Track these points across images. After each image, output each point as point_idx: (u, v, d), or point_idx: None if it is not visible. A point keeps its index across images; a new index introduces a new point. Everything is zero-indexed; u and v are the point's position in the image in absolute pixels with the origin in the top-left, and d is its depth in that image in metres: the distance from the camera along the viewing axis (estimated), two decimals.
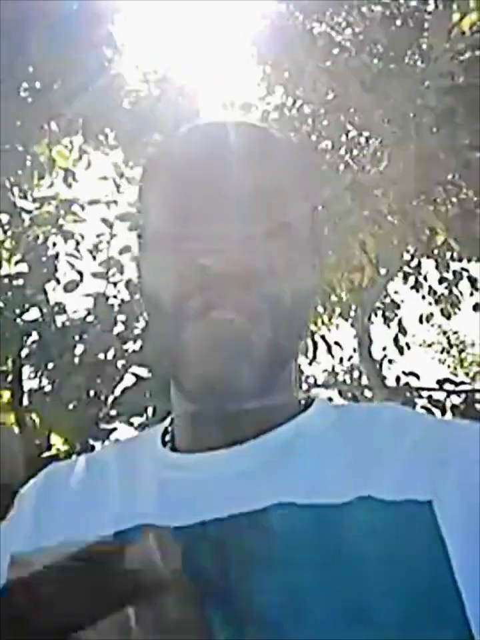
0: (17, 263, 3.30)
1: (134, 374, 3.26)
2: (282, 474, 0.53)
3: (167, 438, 0.62)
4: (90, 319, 3.40)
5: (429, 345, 6.92)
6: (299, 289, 0.55)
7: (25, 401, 3.51)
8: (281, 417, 0.57)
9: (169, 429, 0.63)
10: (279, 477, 0.53)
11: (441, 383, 4.23)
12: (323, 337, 4.77)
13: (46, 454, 3.40)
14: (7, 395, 3.71)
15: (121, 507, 0.56)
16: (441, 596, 0.46)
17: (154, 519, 0.50)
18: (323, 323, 5.67)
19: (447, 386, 4.23)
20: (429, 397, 3.85)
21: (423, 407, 3.73)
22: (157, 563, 0.36)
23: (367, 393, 5.14)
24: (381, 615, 0.45)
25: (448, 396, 4.17)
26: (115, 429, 3.47)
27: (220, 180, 0.54)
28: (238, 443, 0.55)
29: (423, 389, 4.27)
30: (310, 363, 5.30)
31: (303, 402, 0.61)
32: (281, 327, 0.54)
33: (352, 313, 5.21)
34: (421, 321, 5.29)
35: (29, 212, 3.45)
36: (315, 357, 4.50)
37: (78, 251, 3.38)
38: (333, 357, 4.91)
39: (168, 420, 0.64)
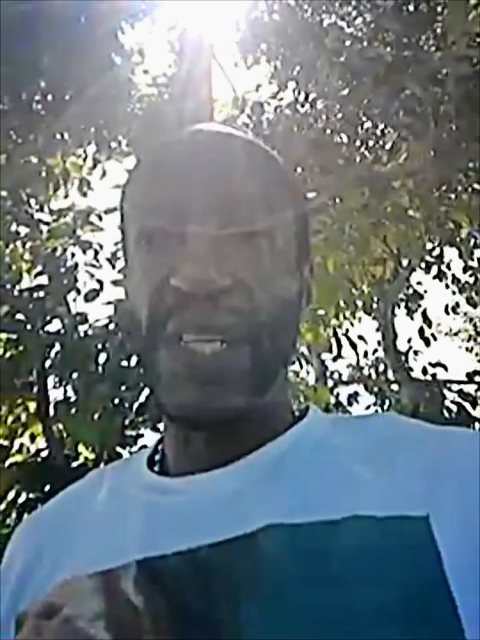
0: (36, 275, 3.32)
1: None
2: (271, 494, 0.52)
3: (157, 458, 0.61)
4: (111, 327, 3.41)
5: (456, 334, 6.82)
6: (279, 302, 0.54)
7: (51, 411, 3.54)
8: (271, 432, 0.55)
9: (159, 449, 0.62)
10: (268, 497, 0.51)
11: (471, 375, 4.15)
12: (346, 334, 4.72)
13: (75, 464, 3.43)
14: (33, 405, 3.75)
15: (109, 539, 0.54)
16: (437, 614, 0.45)
17: (141, 548, 0.51)
18: (345, 317, 5.62)
19: (478, 378, 4.15)
20: (460, 391, 3.77)
21: (452, 402, 3.66)
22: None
23: (394, 387, 5.08)
24: (375, 634, 0.44)
25: (478, 388, 4.09)
26: (141, 436, 3.49)
27: (191, 195, 0.52)
28: (227, 463, 0.54)
29: (452, 381, 4.20)
30: (334, 359, 5.26)
31: (296, 413, 0.60)
32: (262, 344, 0.52)
33: (374, 306, 5.14)
34: (447, 312, 5.20)
35: (47, 224, 3.47)
36: (339, 354, 4.46)
37: (97, 260, 3.39)
38: (356, 353, 4.87)
39: (155, 442, 0.63)
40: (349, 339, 4.69)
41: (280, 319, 0.54)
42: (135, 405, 3.37)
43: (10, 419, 3.91)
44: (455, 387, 4.13)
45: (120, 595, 0.48)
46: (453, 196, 3.67)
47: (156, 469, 0.59)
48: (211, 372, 0.50)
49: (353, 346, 4.75)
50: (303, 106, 4.59)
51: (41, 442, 3.74)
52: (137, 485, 0.58)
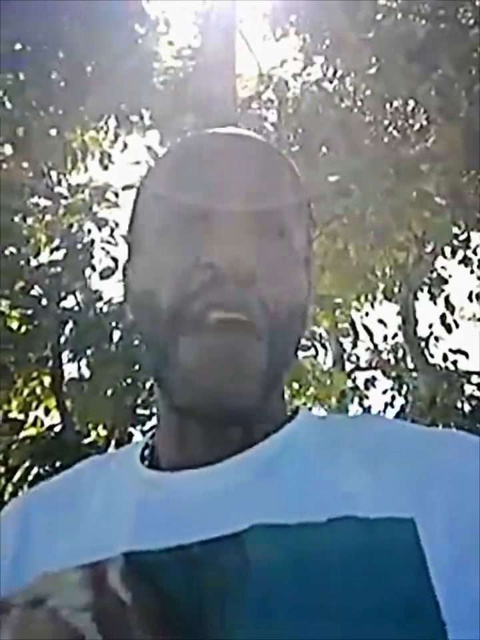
0: (52, 251, 3.30)
1: None
2: (261, 494, 0.52)
3: (147, 453, 0.60)
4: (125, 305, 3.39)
5: (479, 320, 6.71)
6: (297, 297, 0.55)
7: (65, 388, 3.56)
8: (264, 432, 0.55)
9: (150, 443, 0.61)
10: (258, 497, 0.51)
11: None
12: (362, 319, 4.65)
13: (86, 440, 3.45)
14: (48, 380, 3.78)
15: (98, 533, 0.54)
16: (421, 615, 0.45)
17: (130, 543, 0.50)
18: (367, 300, 5.54)
19: None
20: (479, 384, 3.70)
21: (471, 396, 3.59)
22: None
23: (412, 374, 5.01)
24: (360, 635, 0.44)
25: None
26: (153, 414, 3.48)
27: (225, 182, 0.54)
28: (220, 460, 0.54)
29: (472, 373, 4.11)
30: (353, 345, 5.20)
31: (289, 413, 0.60)
32: (278, 339, 0.53)
33: (396, 290, 5.05)
34: (470, 299, 5.09)
35: (65, 198, 3.44)
36: (356, 338, 4.40)
37: (113, 237, 3.36)
38: (372, 340, 4.80)
39: (148, 435, 0.62)
40: (364, 325, 4.62)
41: (295, 315, 0.54)
42: (148, 384, 3.37)
43: (25, 392, 3.95)
44: (475, 378, 4.04)
45: (106, 588, 0.48)
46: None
47: (147, 462, 0.59)
48: (230, 365, 0.50)
49: (369, 332, 4.68)
50: (331, 82, 4.46)
51: (55, 416, 3.78)
52: (128, 478, 0.58)
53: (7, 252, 3.28)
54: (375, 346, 5.31)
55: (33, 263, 3.33)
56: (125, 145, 4.64)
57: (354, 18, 4.10)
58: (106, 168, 4.35)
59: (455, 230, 4.90)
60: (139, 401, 3.42)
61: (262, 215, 0.53)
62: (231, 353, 0.50)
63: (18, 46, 3.46)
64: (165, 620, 0.47)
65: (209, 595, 0.47)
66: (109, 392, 3.35)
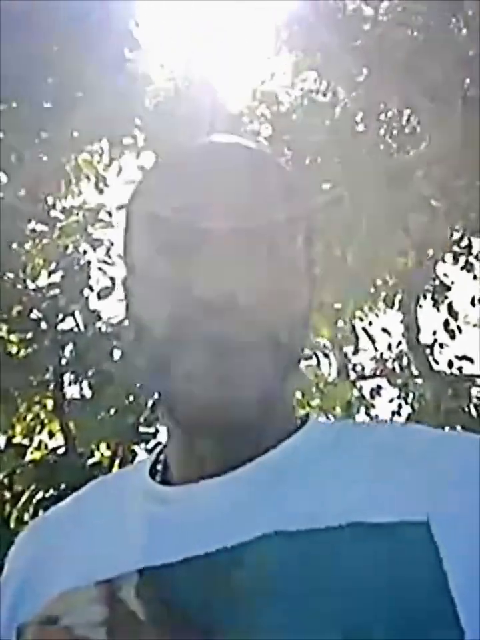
0: (50, 273, 3.33)
1: None
2: (271, 502, 0.52)
3: (159, 467, 0.60)
4: (125, 324, 3.40)
5: None
6: (296, 309, 0.55)
7: (67, 409, 3.56)
8: (273, 441, 0.55)
9: (161, 459, 0.61)
10: (268, 506, 0.51)
11: None
12: (364, 328, 4.63)
13: (91, 461, 3.44)
14: (51, 403, 3.78)
15: (110, 550, 0.55)
16: (438, 619, 0.45)
17: (142, 559, 0.51)
18: (370, 309, 5.52)
19: None
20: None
21: (477, 397, 3.55)
22: None
23: (418, 381, 4.97)
24: None
25: None
26: (157, 432, 3.48)
27: (212, 201, 0.53)
28: (228, 471, 0.54)
29: (477, 376, 4.07)
30: (354, 352, 5.17)
31: (297, 421, 0.59)
32: (279, 353, 0.53)
33: (398, 297, 5.03)
34: (473, 303, 5.07)
35: (60, 221, 3.48)
36: (357, 346, 4.38)
37: (109, 257, 3.38)
38: (375, 347, 4.77)
39: (157, 451, 0.63)
40: (366, 332, 4.60)
41: (296, 326, 0.55)
42: (150, 402, 3.37)
43: (29, 417, 3.95)
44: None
45: (120, 604, 0.49)
46: (478, 183, 3.53)
47: (158, 478, 0.59)
48: (231, 382, 0.50)
49: (372, 340, 4.66)
50: (325, 95, 4.50)
51: (59, 439, 3.78)
52: (138, 493, 0.58)
53: (5, 277, 3.31)
54: (381, 355, 5.29)
55: (31, 286, 3.36)
56: (120, 169, 4.69)
57: (344, 28, 4.15)
58: (101, 192, 4.40)
59: (456, 236, 4.90)
60: (141, 419, 3.42)
61: (253, 233, 0.53)
62: (227, 369, 0.50)
63: (7, 72, 3.52)
64: (179, 633, 0.47)
65: (222, 606, 0.47)
66: (111, 411, 3.35)
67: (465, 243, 5.06)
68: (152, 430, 3.50)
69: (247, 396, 0.51)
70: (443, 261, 4.86)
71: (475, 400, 3.55)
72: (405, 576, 0.46)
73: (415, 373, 4.92)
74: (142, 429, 3.47)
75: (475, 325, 6.41)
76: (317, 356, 3.86)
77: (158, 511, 0.54)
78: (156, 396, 3.41)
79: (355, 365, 5.22)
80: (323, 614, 0.45)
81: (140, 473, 0.60)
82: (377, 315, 5.71)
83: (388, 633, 0.44)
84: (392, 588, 0.46)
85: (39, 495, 3.30)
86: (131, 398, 3.42)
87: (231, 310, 0.50)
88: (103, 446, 3.53)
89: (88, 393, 3.49)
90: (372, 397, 5.04)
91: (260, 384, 0.51)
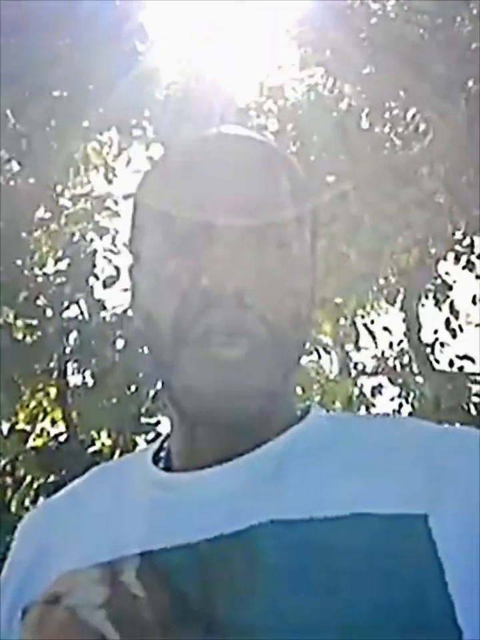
0: (56, 261, 3.34)
1: None
2: (272, 491, 0.52)
3: (162, 455, 0.61)
4: (130, 313, 3.42)
5: None
6: (301, 302, 0.55)
7: (70, 398, 3.58)
8: (275, 431, 0.56)
9: (165, 446, 0.62)
10: (269, 494, 0.52)
11: None
12: (366, 326, 4.64)
13: (91, 449, 3.46)
14: (54, 391, 3.80)
15: (112, 534, 0.55)
16: (434, 612, 0.45)
17: (143, 543, 0.52)
18: (372, 307, 5.53)
19: None
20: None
21: (476, 394, 3.56)
22: None
23: (419, 379, 4.99)
24: (372, 633, 0.44)
25: None
26: (158, 422, 3.50)
27: (220, 194, 0.53)
28: (231, 460, 0.54)
29: (477, 374, 4.09)
30: (358, 350, 5.18)
31: (299, 412, 0.60)
32: (284, 347, 0.53)
33: (400, 297, 5.05)
34: (474, 302, 5.08)
35: (66, 208, 3.49)
36: (357, 343, 4.39)
37: (115, 245, 3.40)
38: (376, 345, 4.78)
39: (160, 438, 0.64)
40: (368, 329, 4.61)
41: (301, 319, 0.55)
42: (151, 393, 3.39)
43: (32, 404, 3.97)
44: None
45: (122, 587, 0.50)
46: None
47: (160, 465, 0.60)
48: (236, 376, 0.51)
49: (373, 337, 4.67)
50: (331, 92, 4.51)
51: (61, 426, 3.80)
52: (141, 480, 0.59)
53: (15, 263, 3.33)
54: (382, 353, 5.30)
55: (37, 272, 3.37)
56: (129, 160, 4.70)
57: (351, 25, 4.15)
58: (110, 182, 4.41)
59: (459, 235, 4.90)
60: (143, 410, 3.44)
61: (261, 229, 0.53)
62: (232, 363, 0.51)
63: (20, 64, 3.54)
64: (178, 617, 0.48)
65: (222, 591, 0.48)
66: (113, 400, 3.37)
67: (467, 242, 5.07)
68: (153, 420, 3.52)
69: (251, 389, 0.51)
70: (445, 260, 4.87)
71: (474, 398, 3.55)
72: (402, 567, 0.46)
73: (416, 371, 4.93)
74: (143, 420, 3.48)
75: (477, 325, 6.43)
76: (318, 352, 3.88)
77: (160, 496, 0.55)
78: (159, 386, 3.44)
79: (356, 364, 5.23)
80: (319, 603, 0.46)
81: (143, 459, 0.61)
82: (378, 314, 5.73)
83: (384, 622, 0.45)
84: (389, 579, 0.46)
85: (40, 481, 3.32)
86: (133, 388, 3.43)
87: (237, 306, 0.51)
88: (103, 434, 3.55)
89: (91, 382, 3.50)
90: (373, 395, 5.05)
91: (264, 377, 0.52)
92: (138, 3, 4.12)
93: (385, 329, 5.24)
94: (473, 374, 4.18)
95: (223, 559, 0.49)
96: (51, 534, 0.60)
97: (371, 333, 4.60)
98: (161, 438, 0.63)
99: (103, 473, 0.65)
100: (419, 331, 5.06)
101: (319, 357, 3.91)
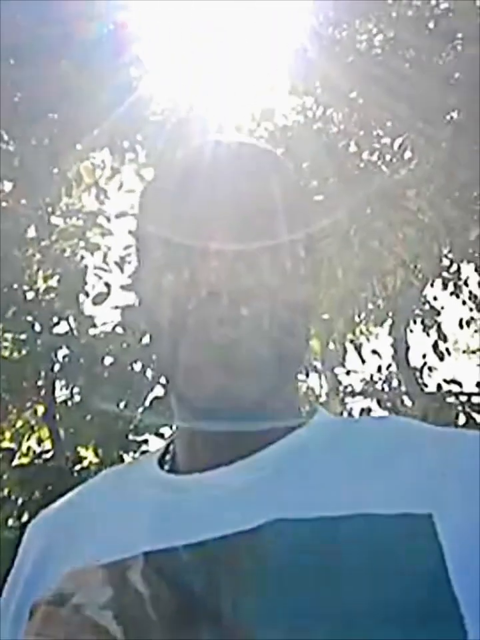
0: (46, 278, 3.36)
1: (163, 385, 3.25)
2: (277, 490, 0.53)
3: (167, 458, 0.62)
4: (118, 330, 3.43)
5: (473, 352, 6.72)
6: (296, 306, 0.56)
7: (57, 414, 3.55)
8: (281, 432, 0.56)
9: (170, 449, 0.63)
10: (275, 494, 0.52)
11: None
12: (355, 347, 4.66)
13: (78, 467, 3.42)
14: (41, 409, 3.77)
15: (119, 535, 0.56)
16: (439, 611, 0.45)
17: (149, 543, 0.52)
18: (361, 332, 5.57)
19: None
20: (468, 401, 3.69)
21: (463, 411, 3.57)
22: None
23: (407, 402, 4.99)
24: (377, 631, 0.44)
25: None
26: (146, 441, 3.47)
27: (219, 197, 0.55)
28: (237, 460, 0.55)
29: (464, 393, 4.11)
30: (347, 373, 5.20)
31: (304, 415, 0.61)
32: (281, 342, 0.54)
33: (389, 321, 5.09)
34: (461, 326, 5.13)
35: (57, 226, 3.52)
36: (344, 364, 4.40)
37: (106, 263, 3.42)
38: (362, 362, 4.79)
39: (166, 442, 0.65)
40: (357, 351, 4.63)
41: (299, 323, 0.56)
42: (140, 410, 3.37)
43: (19, 423, 3.93)
44: (465, 398, 4.04)
45: (128, 586, 0.50)
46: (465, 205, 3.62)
47: (166, 467, 0.60)
48: (234, 361, 0.52)
49: (362, 360, 4.69)
50: (320, 116, 4.61)
51: (47, 444, 3.76)
52: (147, 482, 0.59)
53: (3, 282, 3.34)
54: (371, 377, 5.32)
55: (26, 288, 3.38)
56: (121, 184, 4.76)
57: (337, 54, 4.28)
58: (102, 203, 4.46)
59: (445, 262, 4.98)
60: (131, 427, 3.41)
61: (259, 228, 0.54)
62: (231, 346, 0.52)
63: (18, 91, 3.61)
64: (184, 616, 0.48)
65: (227, 590, 0.48)
66: (101, 417, 3.34)
67: (454, 268, 5.15)
68: (141, 438, 3.49)
69: (250, 373, 0.52)
70: (432, 286, 4.94)
71: (462, 417, 3.57)
72: (407, 567, 0.47)
73: (404, 393, 4.94)
74: (131, 437, 3.45)
75: (464, 351, 6.49)
76: (307, 373, 3.88)
77: (166, 497, 0.56)
78: (147, 403, 3.42)
79: (346, 387, 5.25)
80: (325, 602, 0.46)
81: (149, 462, 0.62)
82: (368, 339, 5.77)
83: (390, 621, 0.45)
84: (394, 578, 0.46)
85: (25, 499, 3.27)
86: (121, 405, 3.42)
87: (232, 296, 0.52)
88: (91, 452, 3.52)
89: (78, 398, 3.48)
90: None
91: (262, 362, 0.53)
92: (133, 30, 4.22)
93: (374, 352, 5.28)
94: (461, 393, 4.20)
95: (229, 558, 0.49)
96: (57, 536, 0.60)
97: (360, 356, 4.62)
98: (167, 441, 0.64)
99: (111, 476, 0.66)
100: (407, 351, 5.09)
101: (307, 374, 3.91)
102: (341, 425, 0.60)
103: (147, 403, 3.37)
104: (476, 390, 4.13)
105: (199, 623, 0.47)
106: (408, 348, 4.97)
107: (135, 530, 0.55)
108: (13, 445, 3.83)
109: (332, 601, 0.46)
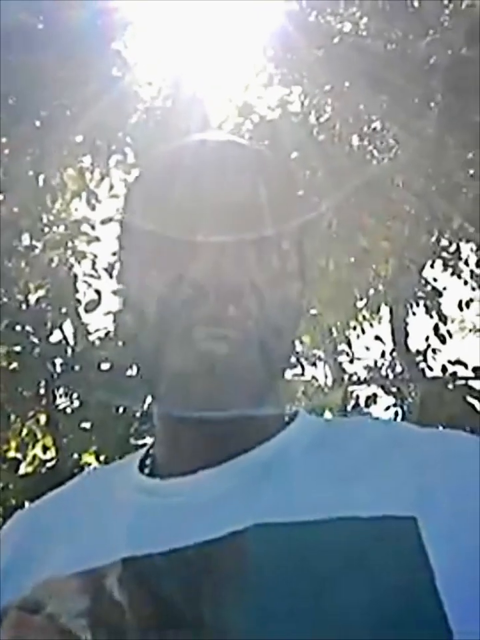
0: (36, 288, 3.37)
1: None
2: (258, 495, 0.52)
3: (147, 462, 0.61)
4: (113, 336, 3.43)
5: (479, 330, 6.65)
6: (286, 305, 0.55)
7: (59, 423, 3.58)
8: (261, 436, 0.56)
9: (151, 452, 0.62)
10: (255, 498, 0.52)
11: (477, 370, 4.01)
12: (360, 332, 4.63)
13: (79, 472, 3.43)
14: (44, 418, 3.79)
15: (97, 540, 0.55)
16: (424, 614, 0.45)
17: (128, 549, 0.51)
18: (364, 318, 5.53)
19: None
20: (466, 385, 3.66)
21: (464, 400, 3.54)
22: None
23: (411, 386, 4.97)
24: (360, 636, 0.44)
25: None
26: (145, 445, 3.46)
27: (207, 193, 0.54)
28: (218, 463, 0.54)
29: (462, 378, 4.08)
30: (351, 361, 5.19)
31: (286, 418, 0.60)
32: (269, 345, 0.53)
33: (384, 306, 5.05)
34: (460, 308, 5.08)
35: (45, 234, 3.53)
36: (348, 352, 4.39)
37: (95, 270, 3.43)
38: (367, 349, 4.76)
39: (148, 446, 0.64)
40: (347, 341, 4.60)
41: (286, 322, 0.55)
42: (138, 414, 3.39)
43: (24, 432, 3.96)
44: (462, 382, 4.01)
45: (104, 593, 0.49)
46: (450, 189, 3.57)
47: (146, 471, 0.60)
48: (220, 370, 0.51)
49: (366, 348, 4.67)
50: (302, 106, 4.56)
51: (52, 453, 3.79)
52: (126, 486, 0.58)
53: None
54: (375, 363, 5.30)
55: (20, 298, 3.40)
56: (111, 186, 4.75)
57: (322, 42, 4.22)
58: (93, 208, 4.45)
59: (444, 242, 4.92)
60: (131, 431, 3.43)
61: (248, 224, 0.54)
62: (216, 357, 0.51)
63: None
64: (162, 623, 0.47)
65: (207, 596, 0.47)
66: (100, 422, 3.37)
67: (453, 248, 5.09)
68: (141, 442, 3.51)
69: (235, 385, 0.51)
70: (432, 267, 4.88)
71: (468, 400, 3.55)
72: (391, 570, 0.46)
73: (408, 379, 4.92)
74: (132, 441, 3.48)
75: (470, 330, 6.42)
76: (301, 365, 3.87)
77: (145, 502, 0.55)
78: (146, 407, 3.43)
79: (351, 375, 5.23)
80: (305, 607, 0.45)
81: (129, 466, 0.61)
82: (371, 324, 5.73)
83: (373, 625, 0.44)
84: (378, 581, 0.46)
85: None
86: (121, 410, 3.43)
87: (220, 294, 0.51)
88: (92, 457, 3.55)
89: (77, 405, 3.51)
90: (367, 405, 5.04)
91: (248, 373, 0.52)
92: (115, 29, 4.18)
93: (377, 338, 5.25)
94: (462, 377, 4.17)
95: (208, 564, 0.49)
96: (34, 537, 0.59)
97: (349, 344, 4.59)
98: (148, 445, 0.63)
99: (89, 479, 0.66)
100: (406, 338, 5.05)
101: (303, 368, 3.90)
102: (322, 428, 0.59)
103: (146, 406, 3.38)
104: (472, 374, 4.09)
105: (178, 630, 0.47)
106: (407, 334, 4.93)
107: (113, 535, 0.54)
108: (18, 455, 3.86)
109: (312, 605, 0.45)
